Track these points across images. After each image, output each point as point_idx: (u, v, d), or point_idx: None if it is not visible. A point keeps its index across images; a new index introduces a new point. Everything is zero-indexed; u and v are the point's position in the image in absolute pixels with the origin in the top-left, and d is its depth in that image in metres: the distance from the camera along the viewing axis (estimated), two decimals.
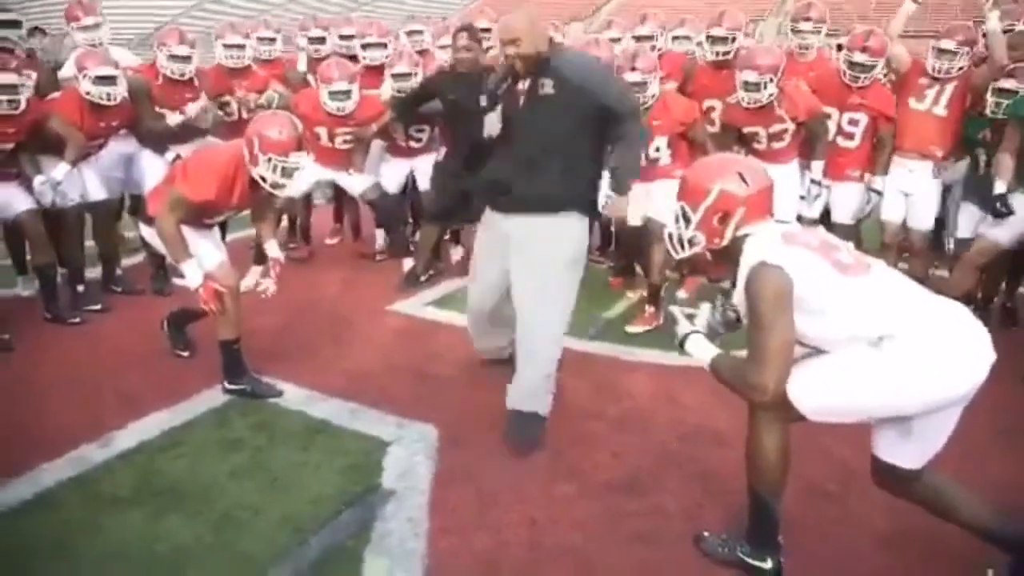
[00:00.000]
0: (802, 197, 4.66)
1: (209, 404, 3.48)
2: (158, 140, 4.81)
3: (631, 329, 4.47)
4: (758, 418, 2.32)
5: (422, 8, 32.73)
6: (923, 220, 4.60)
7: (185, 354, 3.93)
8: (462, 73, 4.62)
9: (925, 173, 4.51)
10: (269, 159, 3.25)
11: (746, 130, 4.50)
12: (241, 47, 5.30)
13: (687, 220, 2.31)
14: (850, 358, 2.18)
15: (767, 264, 2.13)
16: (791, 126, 4.41)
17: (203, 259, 3.43)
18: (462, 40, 4.59)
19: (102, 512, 2.68)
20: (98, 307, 4.65)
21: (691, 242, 2.32)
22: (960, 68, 4.34)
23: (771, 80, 4.21)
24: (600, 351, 4.22)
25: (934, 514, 2.34)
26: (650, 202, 4.00)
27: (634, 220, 3.60)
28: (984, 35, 4.41)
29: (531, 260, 3.19)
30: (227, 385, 3.56)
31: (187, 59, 4.82)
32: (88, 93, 4.33)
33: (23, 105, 4.08)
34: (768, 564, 2.38)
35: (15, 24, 4.69)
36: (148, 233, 3.66)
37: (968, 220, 4.47)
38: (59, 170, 4.23)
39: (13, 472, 2.88)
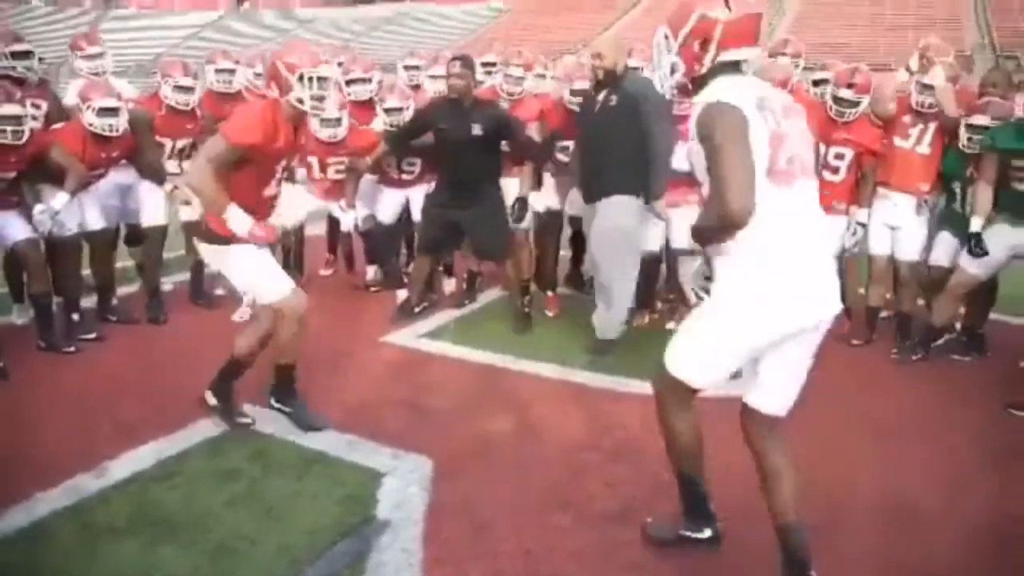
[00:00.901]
0: None
1: (204, 434, 3.49)
2: (157, 172, 4.87)
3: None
4: (663, 407, 2.48)
5: (428, 41, 33.17)
6: (909, 252, 4.67)
7: (247, 420, 3.57)
8: (453, 101, 4.73)
9: (910, 207, 4.60)
10: (300, 76, 3.16)
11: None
12: (232, 71, 5.36)
13: (669, 46, 2.37)
14: (699, 319, 2.37)
15: (724, 103, 2.17)
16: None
17: (275, 283, 3.36)
18: (455, 68, 4.70)
19: (97, 542, 2.68)
20: (93, 336, 4.67)
21: (672, 68, 2.36)
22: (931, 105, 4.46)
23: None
24: (592, 382, 4.25)
25: (760, 483, 2.43)
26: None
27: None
28: (930, 88, 4.48)
29: (601, 230, 4.38)
30: (274, 403, 3.58)
31: (191, 90, 4.92)
32: (91, 124, 4.40)
33: (26, 136, 4.13)
34: (707, 533, 2.61)
35: (28, 55, 4.72)
36: (205, 250, 3.47)
37: (945, 249, 4.56)
38: (58, 200, 4.26)
39: (8, 501, 2.88)
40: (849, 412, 3.87)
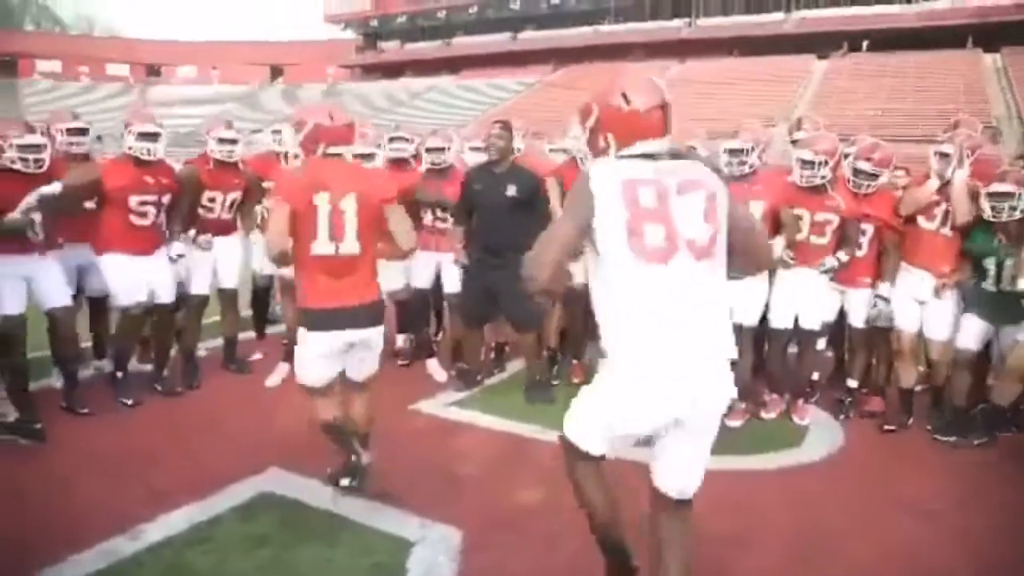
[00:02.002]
0: None
1: (236, 499, 3.51)
2: (183, 222, 4.98)
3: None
4: (566, 464, 2.48)
5: (452, 115, 34.05)
6: (938, 331, 4.55)
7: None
8: (491, 163, 4.89)
9: (933, 284, 4.52)
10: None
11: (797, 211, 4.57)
12: (234, 142, 5.27)
13: (579, 135, 2.49)
14: (586, 392, 2.41)
15: (585, 176, 2.26)
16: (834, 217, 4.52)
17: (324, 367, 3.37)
18: (495, 130, 4.89)
19: None
20: (130, 402, 4.73)
21: (588, 155, 2.45)
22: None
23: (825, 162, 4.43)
24: (620, 454, 4.22)
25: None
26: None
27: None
28: (949, 184, 4.42)
29: None
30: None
31: (234, 142, 5.17)
32: (130, 148, 4.64)
33: (46, 164, 4.24)
34: None
35: (83, 131, 5.01)
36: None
37: (974, 333, 4.42)
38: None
39: (41, 563, 2.91)
40: (883, 487, 3.85)
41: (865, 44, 35.05)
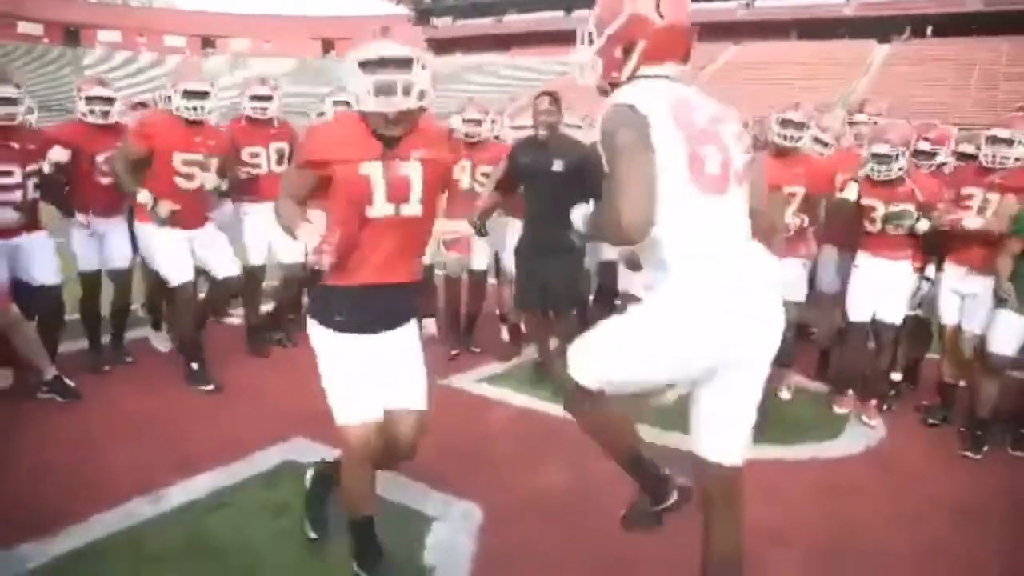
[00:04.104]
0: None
1: (260, 467, 3.51)
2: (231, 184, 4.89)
3: None
4: (577, 412, 2.29)
5: (491, 94, 33.92)
6: (973, 322, 4.26)
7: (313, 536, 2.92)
8: (538, 137, 4.58)
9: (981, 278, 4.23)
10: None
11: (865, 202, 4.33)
12: (269, 99, 5.18)
13: (592, 40, 2.14)
14: (614, 327, 2.13)
15: (629, 107, 1.95)
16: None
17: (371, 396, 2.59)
18: (543, 104, 4.58)
19: (146, 568, 2.71)
20: (210, 388, 4.53)
21: (592, 68, 2.15)
22: (1017, 159, 4.13)
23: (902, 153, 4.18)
24: (651, 438, 4.12)
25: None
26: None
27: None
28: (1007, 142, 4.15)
29: None
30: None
31: (268, 98, 5.11)
32: (177, 109, 4.37)
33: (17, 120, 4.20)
34: (674, 496, 2.37)
35: (204, 95, 4.47)
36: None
37: (1013, 332, 4.04)
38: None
39: (66, 521, 2.94)
40: (922, 482, 3.72)
41: (929, 29, 33.87)
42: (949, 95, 26.25)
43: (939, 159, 4.40)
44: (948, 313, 4.41)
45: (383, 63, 2.28)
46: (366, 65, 2.29)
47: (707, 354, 2.03)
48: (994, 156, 4.15)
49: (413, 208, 2.46)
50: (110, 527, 2.95)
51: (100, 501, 3.09)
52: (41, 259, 4.33)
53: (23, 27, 45.56)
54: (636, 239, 1.92)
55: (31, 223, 4.35)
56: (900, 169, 4.21)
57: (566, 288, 4.67)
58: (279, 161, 5.21)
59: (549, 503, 3.33)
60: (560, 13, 43.92)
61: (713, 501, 2.25)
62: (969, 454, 4.06)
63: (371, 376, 2.56)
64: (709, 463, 2.21)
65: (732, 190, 2.04)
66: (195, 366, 4.59)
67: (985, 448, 4.09)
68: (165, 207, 4.25)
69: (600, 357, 2.15)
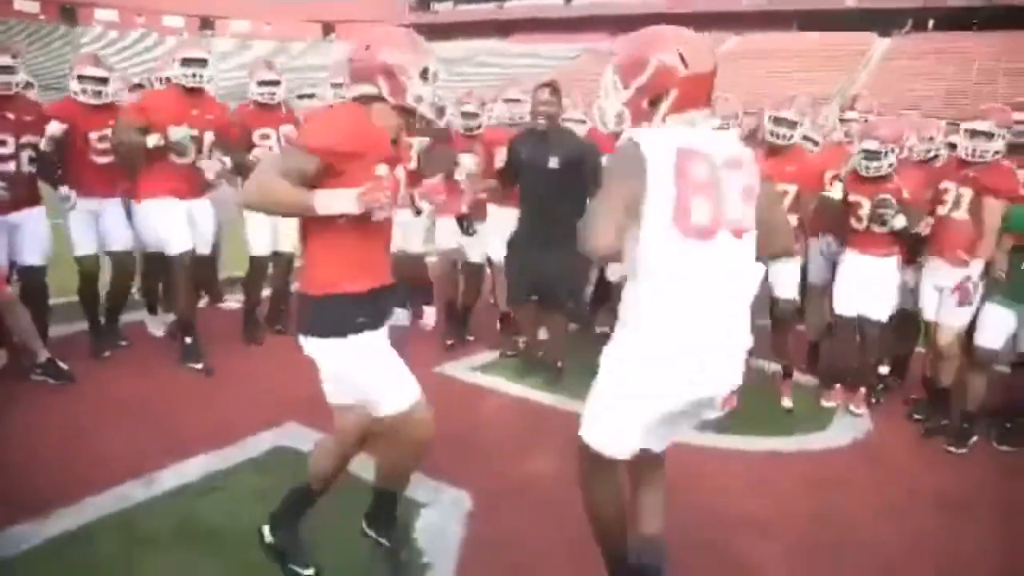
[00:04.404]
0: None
1: (251, 452, 3.54)
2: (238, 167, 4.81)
3: None
4: (580, 473, 2.38)
5: (493, 81, 33.78)
6: (951, 315, 4.23)
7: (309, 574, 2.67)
8: (537, 128, 4.52)
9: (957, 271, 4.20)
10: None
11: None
12: (276, 83, 5.13)
13: (617, 94, 2.19)
14: (603, 377, 2.24)
15: (633, 144, 2.05)
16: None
17: (399, 387, 2.59)
18: (543, 95, 4.49)
19: (138, 551, 2.74)
20: (200, 366, 4.57)
21: (618, 118, 2.21)
22: (996, 152, 4.09)
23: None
24: None
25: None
26: None
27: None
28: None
29: None
30: (367, 529, 2.79)
31: (276, 83, 5.08)
32: (176, 77, 4.41)
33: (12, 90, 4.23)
34: None
35: (203, 62, 4.50)
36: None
37: (998, 325, 4.06)
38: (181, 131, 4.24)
39: (58, 503, 2.97)
40: (908, 475, 3.77)
41: (931, 22, 33.78)
42: (948, 89, 26.22)
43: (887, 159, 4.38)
44: (930, 308, 4.39)
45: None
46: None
47: (688, 391, 2.16)
48: (973, 149, 4.11)
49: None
50: (102, 510, 2.98)
51: (93, 484, 3.12)
52: (32, 238, 4.34)
53: (19, 4, 45.21)
54: (590, 245, 2.04)
55: (27, 198, 4.34)
56: (890, 166, 4.21)
57: (558, 282, 4.63)
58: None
59: (537, 491, 3.36)
60: (560, 1, 43.72)
61: (649, 471, 2.45)
62: (953, 449, 4.09)
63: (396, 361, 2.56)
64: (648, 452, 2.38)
65: (721, 238, 2.10)
66: (188, 340, 4.61)
67: (972, 441, 4.13)
68: (179, 132, 4.23)
69: (599, 415, 2.27)
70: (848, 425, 4.36)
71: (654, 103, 2.13)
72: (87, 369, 4.42)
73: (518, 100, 5.22)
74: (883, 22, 34.11)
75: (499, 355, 5.26)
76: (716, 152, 2.12)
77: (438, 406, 4.23)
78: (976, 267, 4.11)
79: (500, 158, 4.87)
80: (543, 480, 3.47)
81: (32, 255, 4.36)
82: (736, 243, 2.14)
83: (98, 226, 4.66)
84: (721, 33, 36.30)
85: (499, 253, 5.01)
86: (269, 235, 5.17)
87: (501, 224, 5.01)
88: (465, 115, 5.29)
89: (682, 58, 2.10)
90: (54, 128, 4.32)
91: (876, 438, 4.24)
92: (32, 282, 4.42)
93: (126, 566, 2.66)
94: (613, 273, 2.83)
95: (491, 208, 5.20)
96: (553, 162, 4.43)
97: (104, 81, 4.55)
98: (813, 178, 4.45)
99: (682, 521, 3.15)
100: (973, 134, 4.13)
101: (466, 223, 4.68)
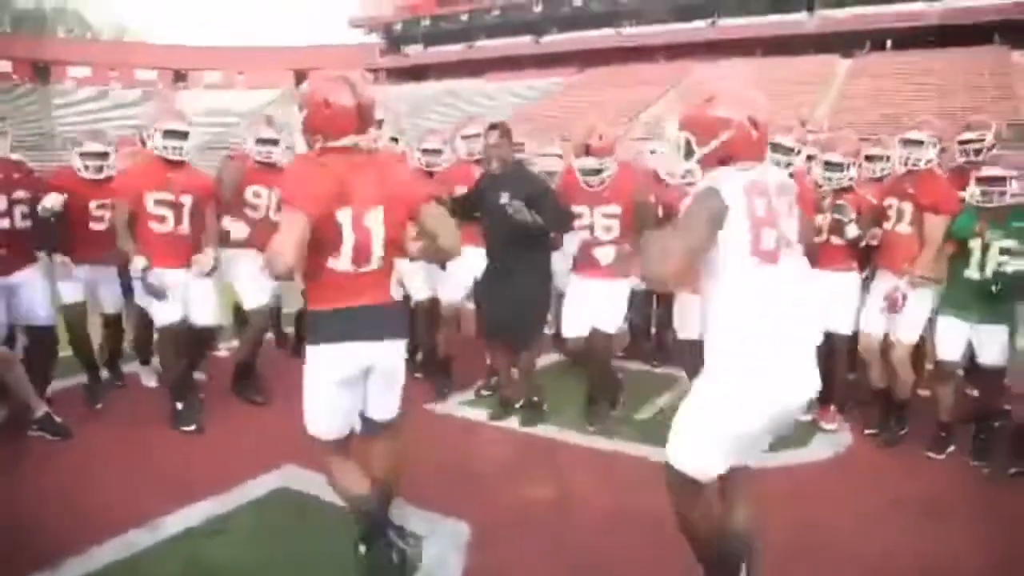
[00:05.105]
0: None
1: (252, 494, 3.63)
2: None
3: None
4: (675, 501, 2.52)
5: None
6: (907, 332, 4.35)
7: None
8: (491, 171, 4.57)
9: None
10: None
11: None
12: (275, 142, 4.99)
13: (689, 152, 2.45)
14: (690, 405, 2.44)
15: (712, 189, 2.30)
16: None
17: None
18: (491, 138, 4.52)
19: None
20: (192, 428, 4.48)
21: (688, 172, 2.47)
22: (928, 160, 4.26)
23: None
24: (632, 451, 4.30)
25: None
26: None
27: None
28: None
29: None
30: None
31: (275, 142, 4.95)
32: (155, 148, 4.38)
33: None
34: None
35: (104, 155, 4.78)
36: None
37: (954, 339, 4.18)
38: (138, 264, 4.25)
39: (65, 553, 3.04)
40: (888, 487, 3.89)
41: (888, 43, 34.69)
42: (913, 106, 26.87)
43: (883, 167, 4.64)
44: (876, 322, 4.46)
45: None
46: None
47: (773, 410, 2.37)
48: (907, 158, 4.29)
49: None
50: (109, 557, 3.05)
51: (99, 532, 3.19)
52: (33, 297, 4.41)
53: None
54: (657, 270, 2.27)
55: (23, 257, 4.42)
56: (851, 179, 4.44)
57: (520, 319, 4.60)
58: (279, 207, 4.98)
59: (533, 518, 3.48)
60: (529, 38, 44.43)
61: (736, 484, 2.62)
62: (932, 454, 4.23)
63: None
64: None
65: (783, 259, 2.37)
66: (179, 406, 4.53)
67: (950, 449, 4.26)
68: (140, 262, 4.24)
69: (689, 442, 2.44)
70: (828, 440, 4.49)
71: (724, 162, 2.39)
72: (86, 420, 4.50)
73: (477, 135, 5.10)
74: (843, 44, 34.96)
75: (474, 394, 5.28)
76: (770, 180, 2.41)
77: (430, 440, 4.38)
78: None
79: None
80: (540, 509, 3.58)
81: (40, 314, 4.45)
82: (791, 258, 2.40)
83: (93, 292, 4.81)
84: (684, 62, 37.07)
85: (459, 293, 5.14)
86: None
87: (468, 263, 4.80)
88: (427, 152, 5.32)
89: (753, 122, 2.37)
90: (53, 200, 4.40)
91: (855, 450, 4.38)
92: (42, 340, 4.50)
93: None
94: (684, 330, 3.08)
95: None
96: (504, 198, 4.35)
97: (105, 156, 4.75)
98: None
99: (644, 537, 3.26)
100: (907, 143, 4.33)
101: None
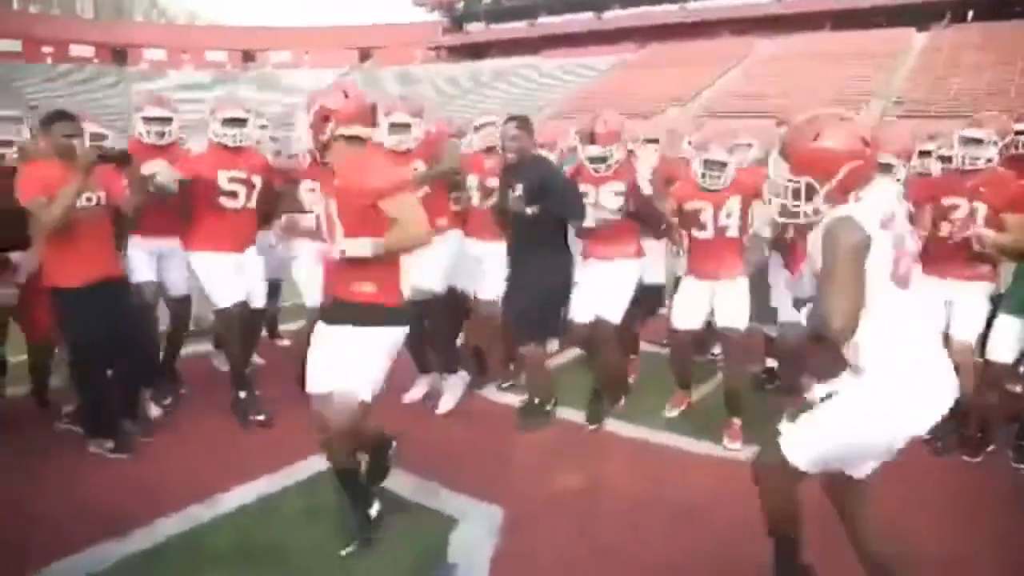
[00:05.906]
0: None
1: (302, 474, 3.85)
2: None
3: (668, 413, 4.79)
4: (767, 487, 2.57)
5: (526, 100, 34.08)
6: (966, 331, 4.11)
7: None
8: (508, 163, 4.56)
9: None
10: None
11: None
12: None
13: (811, 194, 2.41)
14: (829, 410, 2.42)
15: (852, 221, 2.30)
16: None
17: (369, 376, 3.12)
18: (510, 130, 4.47)
19: (204, 568, 3.08)
20: (262, 417, 4.58)
21: (814, 212, 2.43)
22: (988, 160, 4.05)
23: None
24: (668, 441, 4.40)
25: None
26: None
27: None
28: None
29: None
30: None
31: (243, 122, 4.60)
32: (215, 135, 4.45)
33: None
34: None
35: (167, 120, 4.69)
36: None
37: (1008, 339, 3.97)
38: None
39: (134, 525, 3.32)
40: (889, 482, 3.86)
41: (970, 13, 33.10)
42: (990, 83, 25.69)
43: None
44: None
45: None
46: None
47: (909, 429, 2.40)
48: (964, 157, 4.06)
49: None
50: (171, 529, 3.32)
51: (163, 506, 3.47)
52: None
53: (75, 50, 47.15)
54: (841, 340, 2.31)
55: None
56: (989, 160, 4.04)
57: (528, 314, 4.57)
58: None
59: (567, 505, 3.62)
60: (590, 14, 43.96)
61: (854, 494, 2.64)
62: (967, 457, 4.13)
63: None
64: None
65: (914, 279, 2.42)
66: (242, 394, 4.61)
67: (989, 449, 4.17)
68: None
69: (810, 442, 2.46)
70: None
71: (848, 190, 2.39)
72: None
73: (492, 123, 5.05)
74: (919, 16, 33.51)
75: (496, 387, 5.33)
76: (893, 204, 2.43)
77: (469, 424, 4.56)
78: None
79: (471, 182, 4.98)
80: (575, 496, 3.72)
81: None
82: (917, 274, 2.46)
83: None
84: (752, 38, 36.16)
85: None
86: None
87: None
88: (394, 127, 4.69)
89: (864, 141, 2.39)
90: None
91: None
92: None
93: None
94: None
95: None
96: (518, 190, 4.39)
97: (167, 121, 4.66)
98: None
99: (715, 532, 3.38)
100: (966, 142, 4.07)
101: None
